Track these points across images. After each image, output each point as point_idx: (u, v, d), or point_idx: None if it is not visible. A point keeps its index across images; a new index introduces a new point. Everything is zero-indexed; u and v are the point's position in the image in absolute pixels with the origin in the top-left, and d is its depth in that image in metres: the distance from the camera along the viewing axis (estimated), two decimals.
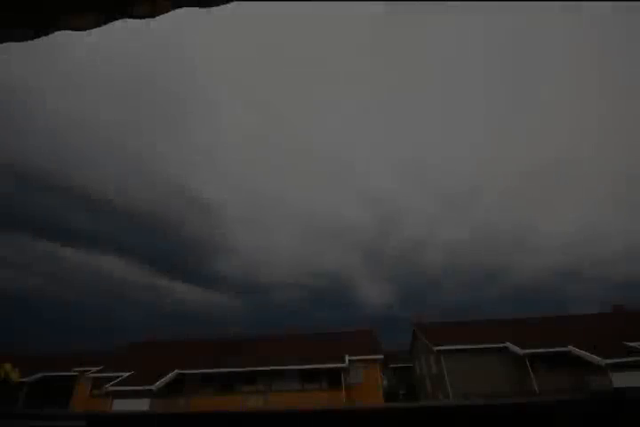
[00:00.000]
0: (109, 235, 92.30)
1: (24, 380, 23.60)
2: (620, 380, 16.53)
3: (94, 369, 22.47)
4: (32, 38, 1.37)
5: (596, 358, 17.30)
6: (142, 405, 18.93)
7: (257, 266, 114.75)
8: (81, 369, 23.32)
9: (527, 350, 19.13)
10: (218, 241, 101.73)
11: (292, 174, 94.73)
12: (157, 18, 1.34)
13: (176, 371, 20.71)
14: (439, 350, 20.51)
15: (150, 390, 18.91)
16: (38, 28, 1.35)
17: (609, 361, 16.86)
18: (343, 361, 20.19)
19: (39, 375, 25.65)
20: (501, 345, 20.28)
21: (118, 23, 1.34)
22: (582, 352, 18.08)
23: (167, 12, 1.31)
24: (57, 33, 1.37)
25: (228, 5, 1.36)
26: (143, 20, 1.34)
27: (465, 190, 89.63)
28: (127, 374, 20.92)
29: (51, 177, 68.55)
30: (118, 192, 78.00)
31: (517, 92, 78.06)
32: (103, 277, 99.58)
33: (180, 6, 1.32)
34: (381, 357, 21.62)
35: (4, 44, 1.39)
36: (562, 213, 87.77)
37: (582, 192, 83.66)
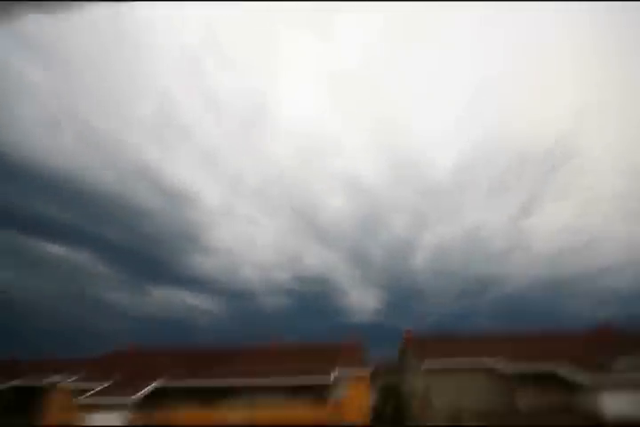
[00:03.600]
0: (88, 231, 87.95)
1: None
2: (607, 398, 16.52)
3: (69, 380, 21.46)
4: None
5: (581, 378, 17.30)
6: (119, 419, 18.09)
7: (240, 267, 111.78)
8: (52, 380, 22.20)
9: (513, 369, 19.04)
10: (197, 238, 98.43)
11: (274, 160, 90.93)
12: None
13: (155, 383, 19.93)
14: (426, 369, 20.22)
15: (127, 403, 18.13)
16: None
17: (595, 380, 16.89)
18: (329, 375, 19.74)
19: (10, 385, 24.37)
20: (488, 364, 20.09)
21: None
22: (568, 372, 18.09)
23: None
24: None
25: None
26: None
27: (453, 181, 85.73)
28: (104, 385, 20.04)
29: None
30: (83, 177, 72.70)
31: (513, 58, 73.12)
32: (82, 278, 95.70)
33: None
34: (368, 371, 21.23)
35: None
36: (557, 211, 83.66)
37: (580, 187, 78.74)
